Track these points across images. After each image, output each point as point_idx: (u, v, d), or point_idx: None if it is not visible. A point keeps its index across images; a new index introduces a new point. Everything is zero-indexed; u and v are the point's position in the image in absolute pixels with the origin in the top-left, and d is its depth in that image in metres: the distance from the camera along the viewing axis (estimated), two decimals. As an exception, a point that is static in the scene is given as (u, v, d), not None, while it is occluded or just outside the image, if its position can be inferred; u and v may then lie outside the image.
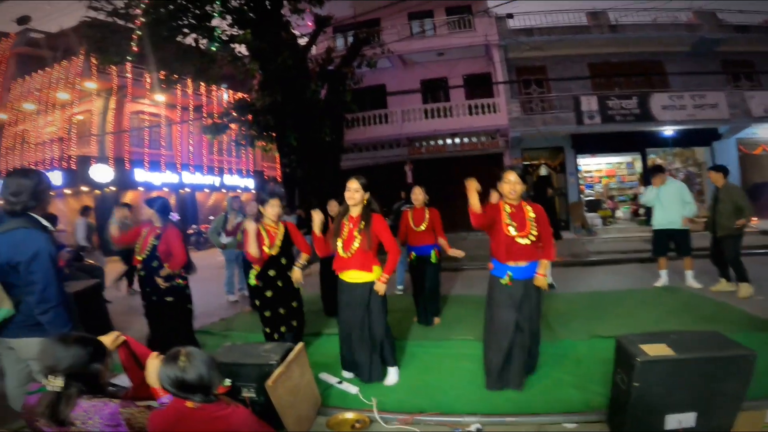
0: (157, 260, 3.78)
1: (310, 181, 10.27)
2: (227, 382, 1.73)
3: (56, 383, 1.54)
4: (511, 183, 3.01)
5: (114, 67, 13.57)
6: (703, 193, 13.17)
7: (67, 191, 15.35)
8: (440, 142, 14.53)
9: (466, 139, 14.36)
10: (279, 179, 14.78)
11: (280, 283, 3.80)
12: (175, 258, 3.73)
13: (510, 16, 14.13)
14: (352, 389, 3.19)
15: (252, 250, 3.61)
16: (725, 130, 13.11)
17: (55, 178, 14.35)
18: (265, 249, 3.72)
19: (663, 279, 5.81)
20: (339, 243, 3.30)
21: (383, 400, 2.96)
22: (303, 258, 3.93)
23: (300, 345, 2.84)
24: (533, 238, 2.98)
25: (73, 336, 1.67)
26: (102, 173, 14.33)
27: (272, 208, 3.84)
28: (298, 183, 10.43)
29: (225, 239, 6.23)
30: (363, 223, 3.29)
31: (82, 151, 15.03)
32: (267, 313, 3.80)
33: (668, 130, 13.09)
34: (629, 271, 7.33)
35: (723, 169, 5.43)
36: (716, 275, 5.51)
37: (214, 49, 8.92)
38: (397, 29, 14.22)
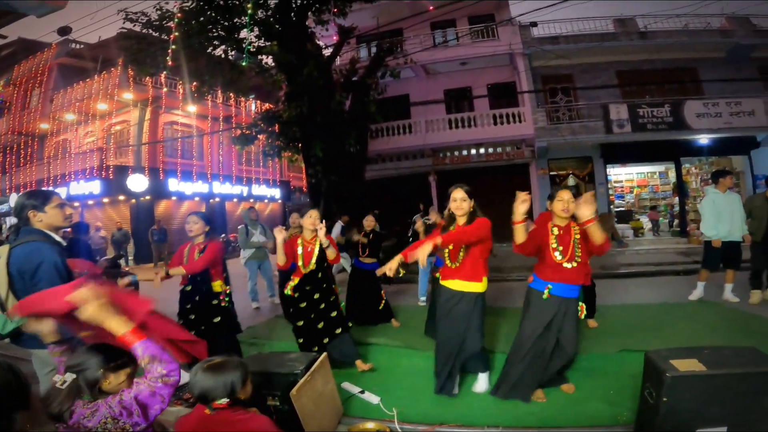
0: (201, 276, 3.79)
1: (336, 192, 10.40)
2: (223, 400, 1.78)
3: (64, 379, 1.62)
4: (564, 201, 2.88)
5: (149, 79, 14.06)
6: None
7: (105, 200, 15.96)
8: (464, 152, 14.45)
9: (491, 150, 14.23)
10: (305, 189, 15.02)
11: (316, 296, 3.82)
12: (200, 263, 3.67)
13: (534, 24, 14.01)
14: (374, 399, 3.20)
15: (278, 260, 3.69)
16: (764, 138, 12.56)
17: (94, 187, 14.95)
18: (300, 266, 3.80)
19: (699, 291, 5.58)
20: (445, 253, 3.19)
21: (405, 411, 2.96)
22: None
23: (323, 355, 2.88)
24: (578, 261, 2.89)
25: (95, 345, 1.75)
26: (138, 183, 14.77)
27: (309, 219, 3.84)
28: (323, 193, 10.57)
29: (246, 252, 6.44)
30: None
31: (120, 161, 15.50)
32: (299, 323, 3.82)
33: (703, 139, 12.64)
34: (662, 283, 7.07)
35: None
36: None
37: (244, 64, 9.18)
38: (420, 39, 14.30)
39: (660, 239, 11.80)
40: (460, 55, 14.36)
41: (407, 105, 15.18)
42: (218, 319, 3.81)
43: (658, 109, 12.37)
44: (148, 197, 15.39)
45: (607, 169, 13.83)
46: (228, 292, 3.99)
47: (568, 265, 2.87)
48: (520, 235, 2.90)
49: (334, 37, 11.35)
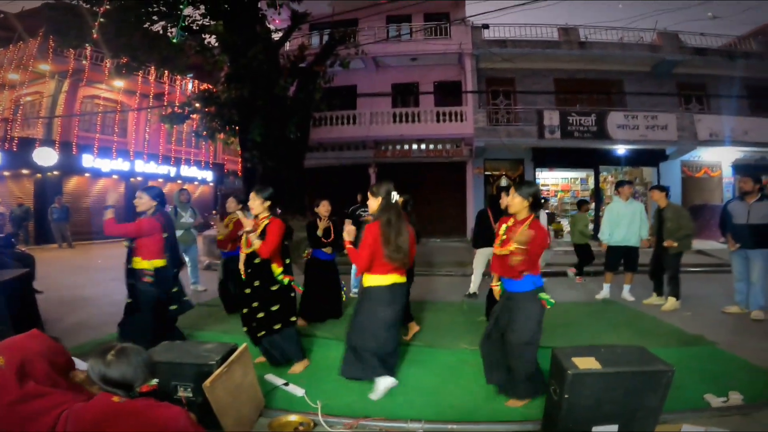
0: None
1: (272, 178, 10.11)
2: (153, 381, 1.75)
3: None
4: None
5: (72, 51, 12.99)
6: (647, 210, 13.89)
7: (6, 174, 14.36)
8: (406, 146, 14.61)
9: (431, 146, 14.51)
10: (240, 173, 14.46)
11: (257, 283, 3.57)
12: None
13: (486, 26, 14.40)
14: (299, 391, 3.14)
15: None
16: (672, 152, 13.79)
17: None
18: (243, 246, 3.60)
19: (605, 292, 6.12)
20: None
21: (330, 404, 2.94)
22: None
23: (243, 345, 2.78)
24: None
25: None
26: (45, 156, 13.49)
27: (251, 202, 3.62)
28: (259, 179, 10.23)
29: None
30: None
31: (26, 132, 14.19)
32: (244, 311, 3.63)
33: (621, 149, 13.67)
34: (576, 283, 7.63)
35: (666, 189, 5.79)
36: (648, 289, 5.90)
37: (175, 41, 8.68)
38: (374, 31, 14.22)
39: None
40: (412, 51, 14.48)
41: (354, 96, 15.07)
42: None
43: (585, 118, 13.22)
44: (56, 172, 14.04)
45: (537, 172, 14.64)
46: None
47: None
48: None
49: (277, 21, 11.06)
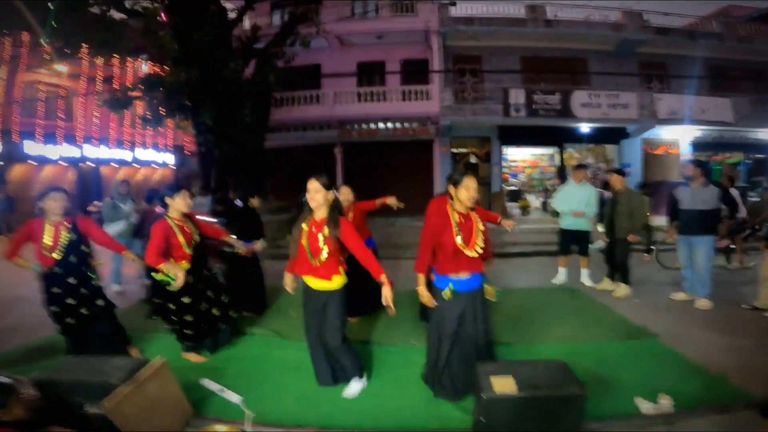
0: (77, 256, 3.50)
1: (229, 161, 9.69)
2: None
3: None
4: (471, 189, 2.78)
5: (7, 37, 12.14)
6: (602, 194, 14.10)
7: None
8: (372, 126, 14.30)
9: (398, 125, 14.25)
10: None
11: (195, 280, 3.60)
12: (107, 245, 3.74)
13: (453, 3, 13.99)
14: (235, 397, 2.95)
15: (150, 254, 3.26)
16: (633, 130, 14.06)
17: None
18: (184, 249, 3.49)
19: (561, 276, 6.12)
20: (306, 248, 2.96)
21: (266, 410, 2.80)
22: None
23: (158, 358, 2.62)
24: (480, 251, 2.82)
25: None
26: (-18, 145, 12.58)
27: (183, 200, 3.51)
28: (215, 163, 9.78)
29: (112, 229, 5.65)
30: (329, 228, 2.93)
31: None
32: (189, 318, 3.56)
33: (584, 127, 13.83)
34: (535, 264, 7.63)
35: (622, 173, 5.72)
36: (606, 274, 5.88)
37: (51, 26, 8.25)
38: (337, 8, 13.62)
39: (542, 218, 12.77)
40: (377, 29, 14.03)
41: (318, 75, 14.57)
42: (101, 301, 3.64)
43: (550, 97, 13.22)
44: (-2, 162, 13.15)
45: (503, 149, 14.64)
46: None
47: (470, 254, 2.78)
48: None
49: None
